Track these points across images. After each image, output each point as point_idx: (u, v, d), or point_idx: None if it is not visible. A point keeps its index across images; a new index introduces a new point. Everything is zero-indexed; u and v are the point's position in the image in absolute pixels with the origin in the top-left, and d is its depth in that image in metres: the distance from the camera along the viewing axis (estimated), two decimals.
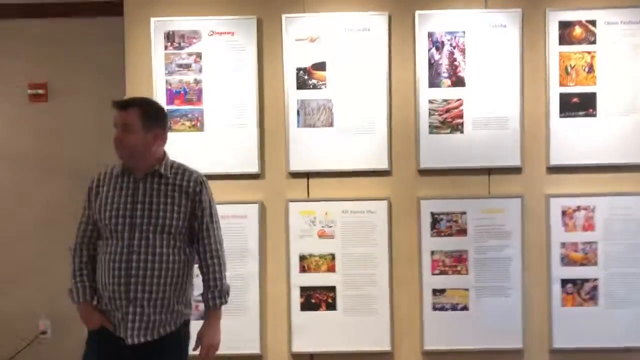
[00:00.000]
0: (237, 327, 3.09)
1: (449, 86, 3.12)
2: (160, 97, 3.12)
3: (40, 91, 3.58)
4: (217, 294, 2.30)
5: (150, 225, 2.22)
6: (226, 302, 2.34)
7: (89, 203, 2.33)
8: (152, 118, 2.28)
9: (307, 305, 3.12)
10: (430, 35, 3.11)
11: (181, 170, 2.32)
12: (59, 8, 3.49)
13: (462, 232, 3.11)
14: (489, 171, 3.13)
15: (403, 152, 3.14)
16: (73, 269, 2.34)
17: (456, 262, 3.11)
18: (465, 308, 3.10)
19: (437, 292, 3.11)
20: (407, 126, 3.13)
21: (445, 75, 3.12)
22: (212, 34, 3.13)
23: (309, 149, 3.11)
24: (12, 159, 3.63)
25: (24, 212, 3.65)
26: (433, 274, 3.11)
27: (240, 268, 3.11)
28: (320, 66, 3.12)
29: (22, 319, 3.62)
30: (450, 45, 3.11)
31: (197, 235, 2.29)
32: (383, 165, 3.12)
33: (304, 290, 3.12)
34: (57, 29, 3.54)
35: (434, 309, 3.10)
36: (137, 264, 2.20)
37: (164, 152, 2.35)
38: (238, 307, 3.10)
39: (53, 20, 3.53)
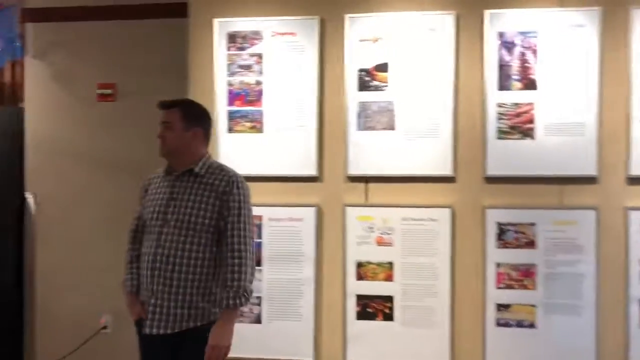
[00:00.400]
0: (291, 333, 3.05)
1: (520, 89, 2.94)
2: (221, 98, 3.12)
3: (109, 91, 3.68)
4: (231, 294, 2.23)
5: (178, 222, 2.29)
6: (242, 304, 2.26)
7: (141, 200, 2.48)
8: (192, 118, 2.39)
9: (363, 314, 3.02)
10: (500, 35, 2.95)
11: (218, 170, 2.37)
12: (126, 10, 3.58)
13: (531, 244, 2.92)
14: (562, 180, 2.92)
15: (468, 158, 2.98)
16: (126, 262, 2.49)
17: (523, 276, 2.93)
18: (532, 325, 2.91)
19: (501, 307, 2.93)
20: (473, 131, 2.98)
21: (516, 77, 2.94)
22: (274, 35, 3.09)
23: (368, 152, 3.02)
24: (80, 156, 3.74)
25: (90, 209, 3.75)
26: (498, 288, 2.93)
27: (296, 272, 3.06)
28: (383, 67, 3.02)
29: (87, 313, 3.73)
30: (522, 46, 2.94)
31: (223, 235, 2.29)
32: (447, 171, 2.98)
33: (360, 298, 3.02)
34: (125, 30, 3.64)
35: (498, 324, 2.93)
36: (161, 257, 2.27)
37: (205, 153, 2.42)
38: (293, 312, 3.06)
39: (121, 23, 3.63)
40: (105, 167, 3.73)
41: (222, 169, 2.38)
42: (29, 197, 3.81)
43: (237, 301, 2.23)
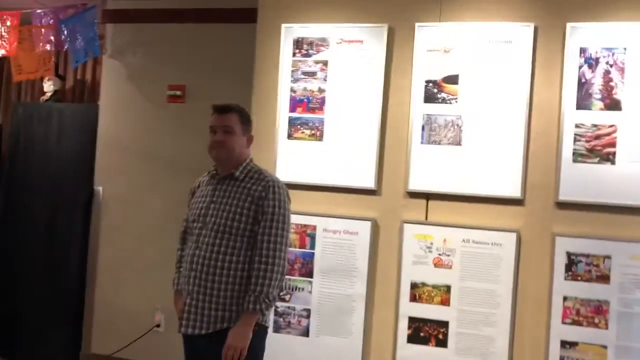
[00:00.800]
0: (338, 349, 2.95)
1: (602, 109, 2.71)
2: (283, 104, 3.08)
3: (178, 92, 3.74)
4: (252, 298, 2.22)
5: (215, 225, 2.30)
6: (261, 310, 2.22)
7: (189, 203, 2.51)
8: (247, 122, 2.43)
9: (415, 338, 2.86)
10: (582, 50, 2.73)
11: (256, 175, 2.37)
12: (200, 14, 3.64)
13: (604, 278, 2.67)
14: None
15: (540, 181, 2.77)
16: (175, 262, 2.56)
17: (594, 312, 2.67)
18: None
19: (566, 344, 2.69)
20: (547, 151, 2.77)
21: (598, 96, 2.71)
22: (340, 42, 3.02)
23: (431, 167, 2.87)
24: (147, 155, 3.82)
25: (153, 207, 3.82)
26: (563, 323, 2.70)
27: (348, 288, 2.95)
28: (453, 79, 2.87)
29: (142, 310, 3.79)
30: (607, 62, 2.71)
31: (257, 239, 2.29)
32: (515, 193, 2.79)
33: (412, 321, 2.87)
34: (198, 34, 3.70)
35: None
36: (199, 259, 2.29)
37: (247, 157, 2.42)
38: (342, 328, 2.95)
39: (194, 26, 3.69)
40: (170, 167, 3.79)
41: (260, 173, 2.38)
42: (98, 192, 3.93)
43: (257, 306, 2.21)
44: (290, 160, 3.04)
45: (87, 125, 4.02)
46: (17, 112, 4.17)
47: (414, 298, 2.87)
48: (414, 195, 2.91)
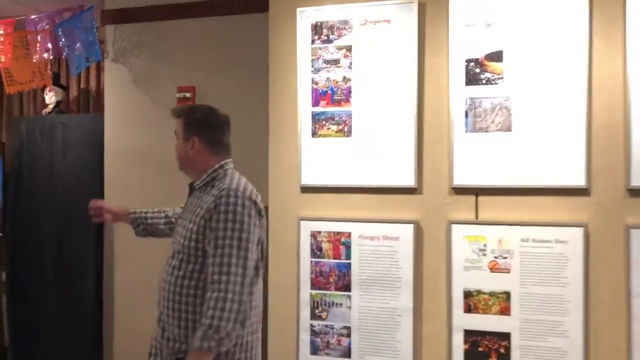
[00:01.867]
0: None
1: None
2: (304, 98, 2.74)
3: (188, 94, 3.45)
4: (200, 334, 1.83)
5: (175, 244, 2.06)
6: (209, 348, 1.82)
7: None
8: (191, 127, 2.12)
9: (472, 354, 2.52)
10: None
11: (216, 183, 2.03)
12: (204, 7, 3.37)
13: None
14: None
15: (607, 165, 2.41)
16: None
17: None
18: None
19: None
20: (612, 132, 2.41)
21: None
22: (364, 23, 2.68)
23: (479, 158, 2.52)
24: (158, 164, 3.54)
25: None
26: None
27: (392, 300, 2.62)
28: (497, 56, 2.51)
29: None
30: None
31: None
32: (579, 181, 2.42)
33: (469, 334, 2.52)
34: (204, 29, 3.42)
35: None
36: (162, 284, 2.05)
37: (213, 163, 2.10)
38: (388, 347, 2.63)
39: (199, 20, 3.41)
40: (185, 176, 3.48)
41: (221, 181, 2.03)
42: None
43: (205, 344, 1.81)
44: (316, 161, 2.71)
45: (94, 136, 3.75)
46: (18, 128, 3.90)
47: (468, 308, 2.53)
48: (461, 191, 2.56)
